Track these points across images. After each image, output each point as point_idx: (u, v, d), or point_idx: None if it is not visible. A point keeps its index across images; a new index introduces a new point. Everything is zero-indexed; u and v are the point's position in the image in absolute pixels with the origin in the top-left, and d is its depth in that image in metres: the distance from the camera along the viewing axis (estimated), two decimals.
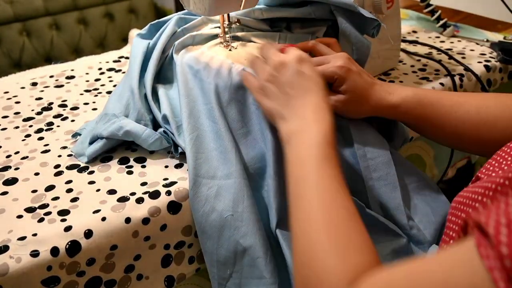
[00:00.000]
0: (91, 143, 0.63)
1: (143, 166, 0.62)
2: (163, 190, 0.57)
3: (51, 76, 0.87)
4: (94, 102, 0.78)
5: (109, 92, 0.81)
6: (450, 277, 0.31)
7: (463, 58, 0.91)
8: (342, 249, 0.41)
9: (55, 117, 0.74)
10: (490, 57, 0.91)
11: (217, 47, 0.72)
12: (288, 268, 0.55)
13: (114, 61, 0.93)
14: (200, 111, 0.62)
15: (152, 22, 0.79)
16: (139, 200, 0.55)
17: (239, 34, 0.74)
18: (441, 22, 1.03)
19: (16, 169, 0.62)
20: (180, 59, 0.69)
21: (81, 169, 0.61)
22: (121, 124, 0.62)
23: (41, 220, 0.53)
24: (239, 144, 0.60)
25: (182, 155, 0.62)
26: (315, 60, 0.62)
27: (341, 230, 0.43)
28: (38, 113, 0.75)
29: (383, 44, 0.82)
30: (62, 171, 0.61)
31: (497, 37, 1.00)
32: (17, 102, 0.79)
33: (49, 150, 0.65)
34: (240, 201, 0.55)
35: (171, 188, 0.57)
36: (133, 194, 0.56)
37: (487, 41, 0.98)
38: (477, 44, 0.98)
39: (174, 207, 0.56)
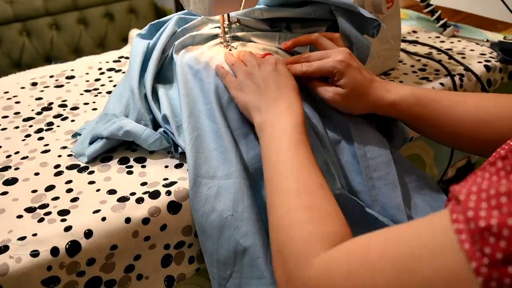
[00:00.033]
0: (91, 143, 0.63)
1: (143, 166, 0.62)
2: (163, 190, 0.57)
3: (51, 76, 0.87)
4: (94, 102, 0.78)
5: (109, 92, 0.81)
6: (424, 239, 0.34)
7: (463, 58, 0.91)
8: (317, 218, 0.44)
9: (55, 117, 0.74)
10: (490, 57, 0.91)
11: (217, 47, 0.72)
12: None
13: (114, 61, 0.93)
14: (200, 111, 0.62)
15: (152, 22, 0.79)
16: (139, 200, 0.55)
17: (239, 34, 0.74)
18: (441, 22, 1.03)
19: (16, 169, 0.62)
20: (180, 59, 0.69)
21: (81, 169, 0.61)
22: (121, 124, 0.62)
23: (41, 220, 0.53)
24: (239, 144, 0.60)
25: (182, 155, 0.62)
26: (317, 54, 0.63)
27: (317, 201, 0.46)
28: (38, 113, 0.75)
29: (383, 44, 0.82)
30: (62, 171, 0.61)
31: (497, 37, 1.00)
32: (17, 102, 0.79)
33: (49, 150, 0.65)
34: (240, 201, 0.55)
35: (171, 188, 0.57)
36: (133, 194, 0.56)
37: (487, 41, 0.98)
38: (477, 44, 0.98)
39: (174, 207, 0.56)
